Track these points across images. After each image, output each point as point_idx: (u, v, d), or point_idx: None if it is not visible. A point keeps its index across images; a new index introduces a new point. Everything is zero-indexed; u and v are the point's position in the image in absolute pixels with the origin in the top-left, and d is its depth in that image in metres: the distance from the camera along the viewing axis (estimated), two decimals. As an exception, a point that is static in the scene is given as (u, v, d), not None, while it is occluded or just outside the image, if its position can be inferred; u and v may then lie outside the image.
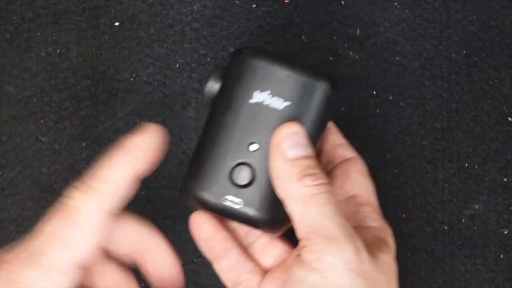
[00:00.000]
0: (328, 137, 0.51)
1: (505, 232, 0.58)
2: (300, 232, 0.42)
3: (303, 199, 0.42)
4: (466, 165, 0.59)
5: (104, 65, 0.60)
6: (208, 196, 0.45)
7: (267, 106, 0.45)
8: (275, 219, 0.46)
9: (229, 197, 0.45)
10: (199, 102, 0.60)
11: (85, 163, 0.59)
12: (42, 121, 0.59)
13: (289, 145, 0.43)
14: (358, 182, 0.49)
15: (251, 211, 0.45)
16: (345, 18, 0.61)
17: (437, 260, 0.57)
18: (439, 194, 0.58)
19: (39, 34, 0.60)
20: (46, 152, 0.59)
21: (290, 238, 0.50)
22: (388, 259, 0.44)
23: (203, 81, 0.60)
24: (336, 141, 0.50)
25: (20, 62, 0.60)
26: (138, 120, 0.59)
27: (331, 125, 0.51)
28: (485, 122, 0.60)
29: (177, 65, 0.60)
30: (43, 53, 0.60)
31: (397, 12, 0.61)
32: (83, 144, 0.59)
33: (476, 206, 0.58)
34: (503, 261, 0.58)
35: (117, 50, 0.60)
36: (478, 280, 0.57)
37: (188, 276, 0.57)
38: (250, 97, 0.45)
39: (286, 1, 0.61)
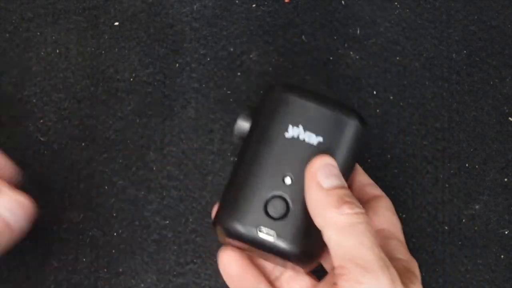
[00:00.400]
0: (355, 176, 0.52)
1: (506, 232, 0.58)
2: (336, 260, 0.43)
3: (341, 227, 0.43)
4: (467, 165, 0.59)
5: (104, 65, 0.60)
6: (242, 227, 0.46)
7: (301, 140, 0.46)
8: (307, 253, 0.46)
9: (263, 229, 0.45)
10: (199, 102, 0.60)
11: (85, 163, 0.58)
12: (41, 121, 0.59)
13: (323, 176, 0.44)
14: (386, 217, 0.50)
15: (284, 244, 0.45)
16: (345, 18, 0.61)
17: (438, 260, 0.57)
18: (440, 194, 0.58)
19: (38, 34, 0.60)
20: (46, 152, 0.59)
21: (314, 272, 0.51)
22: None
23: (203, 81, 0.60)
24: (364, 181, 0.52)
25: (20, 61, 0.60)
26: (138, 120, 0.59)
27: (357, 166, 0.52)
28: (486, 122, 0.60)
29: (177, 65, 0.60)
30: (42, 53, 0.60)
31: (397, 11, 0.61)
32: (83, 144, 0.59)
33: (477, 206, 0.58)
34: (504, 261, 0.58)
35: (116, 50, 0.60)
36: (479, 280, 0.57)
37: (188, 276, 0.56)
38: (286, 131, 0.46)
39: (286, 1, 0.61)
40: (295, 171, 0.45)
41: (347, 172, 0.47)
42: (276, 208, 0.45)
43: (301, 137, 0.46)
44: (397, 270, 0.44)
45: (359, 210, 0.43)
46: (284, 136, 0.46)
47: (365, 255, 0.42)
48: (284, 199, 0.45)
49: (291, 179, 0.45)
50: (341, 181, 0.44)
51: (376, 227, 0.49)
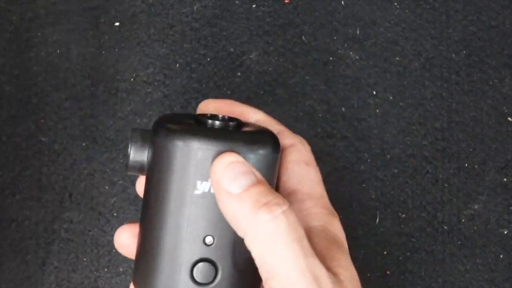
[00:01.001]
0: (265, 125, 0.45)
1: (505, 232, 0.58)
2: (263, 274, 0.38)
3: (261, 239, 0.38)
4: (466, 165, 0.59)
5: (104, 65, 0.60)
6: None
7: (213, 193, 0.39)
8: None
9: None
10: (199, 102, 0.60)
11: (85, 163, 0.59)
12: (42, 121, 0.59)
13: (229, 180, 0.38)
14: (296, 173, 0.43)
15: None
16: (345, 18, 0.61)
17: (437, 260, 0.57)
18: (439, 194, 0.58)
19: (39, 34, 0.60)
20: (46, 152, 0.59)
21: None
22: (348, 273, 0.41)
23: (203, 81, 0.60)
24: (274, 130, 0.44)
25: (20, 62, 0.60)
26: (138, 120, 0.59)
27: (262, 115, 0.46)
28: (485, 122, 0.60)
29: (177, 65, 0.60)
30: (43, 53, 0.60)
31: (397, 12, 0.61)
32: (83, 144, 0.59)
33: (476, 206, 0.58)
34: (503, 261, 0.58)
35: (117, 50, 0.60)
36: (478, 280, 0.57)
37: (188, 276, 0.57)
38: (195, 188, 0.39)
39: (286, 1, 0.61)
40: (215, 228, 0.40)
41: None
42: (203, 273, 0.40)
43: (212, 190, 0.39)
44: (317, 244, 0.40)
45: (279, 208, 0.38)
46: (195, 193, 0.39)
47: (291, 271, 0.37)
48: (210, 261, 0.40)
49: (213, 237, 0.40)
50: (251, 176, 0.39)
51: (286, 189, 0.44)
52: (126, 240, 0.45)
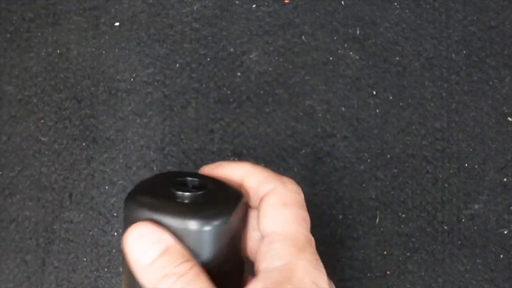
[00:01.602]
0: (250, 177, 0.48)
1: (505, 232, 0.58)
2: None
3: None
4: (466, 165, 0.59)
5: (104, 65, 0.60)
6: None
7: None
8: None
9: None
10: (199, 102, 0.60)
11: (85, 163, 0.59)
12: (42, 121, 0.59)
13: (139, 252, 0.42)
14: (273, 215, 0.46)
15: None
16: (345, 18, 0.61)
17: (437, 260, 0.57)
18: (439, 194, 0.58)
19: (39, 34, 0.61)
20: (46, 152, 0.59)
21: None
22: None
23: (203, 81, 0.60)
24: (255, 181, 0.47)
25: (20, 62, 0.60)
26: (138, 120, 0.59)
27: (248, 168, 0.48)
28: (485, 122, 0.60)
29: (177, 65, 0.60)
30: (43, 53, 0.60)
31: (397, 12, 0.61)
32: (83, 144, 0.59)
33: (476, 206, 0.58)
34: (503, 261, 0.58)
35: (117, 50, 0.60)
36: (478, 280, 0.57)
37: (188, 276, 0.57)
38: None
39: (286, 1, 0.61)
40: None
41: (228, 265, 0.45)
42: None
43: None
44: (267, 284, 0.42)
45: (179, 272, 0.41)
46: None
47: None
48: None
49: None
50: (160, 246, 0.42)
51: (264, 232, 0.46)
52: None
